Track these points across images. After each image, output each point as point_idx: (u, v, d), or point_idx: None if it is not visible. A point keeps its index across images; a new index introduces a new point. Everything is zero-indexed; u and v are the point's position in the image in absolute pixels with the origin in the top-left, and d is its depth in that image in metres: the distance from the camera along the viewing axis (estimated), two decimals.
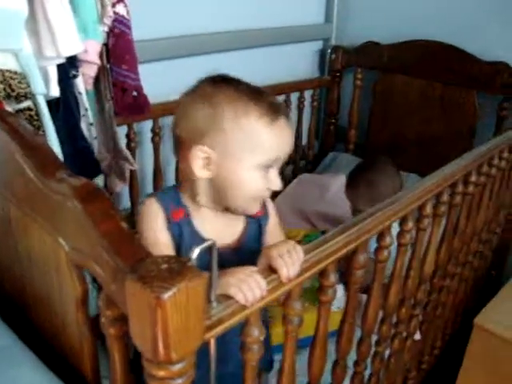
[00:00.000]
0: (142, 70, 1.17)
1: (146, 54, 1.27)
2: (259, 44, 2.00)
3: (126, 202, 1.70)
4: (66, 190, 0.64)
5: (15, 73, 0.88)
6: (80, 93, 1.05)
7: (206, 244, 0.58)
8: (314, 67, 2.28)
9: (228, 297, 0.66)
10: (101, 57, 1.06)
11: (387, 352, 1.23)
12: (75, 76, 1.02)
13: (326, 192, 2.07)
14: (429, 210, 1.09)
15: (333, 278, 0.84)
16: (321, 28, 2.22)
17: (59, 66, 0.95)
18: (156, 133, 1.60)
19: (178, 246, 0.87)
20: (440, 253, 1.30)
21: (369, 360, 1.14)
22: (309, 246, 0.78)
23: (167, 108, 1.43)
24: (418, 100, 2.00)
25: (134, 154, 1.55)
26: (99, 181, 1.14)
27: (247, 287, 0.65)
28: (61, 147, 0.97)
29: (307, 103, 2.16)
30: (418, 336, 1.41)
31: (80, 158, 1.03)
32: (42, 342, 0.87)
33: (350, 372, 1.10)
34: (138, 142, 1.59)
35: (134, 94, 1.09)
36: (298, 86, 2.09)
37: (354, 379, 1.13)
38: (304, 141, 2.28)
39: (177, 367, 0.57)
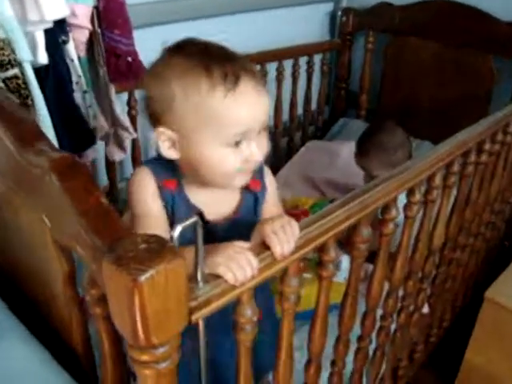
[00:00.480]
0: (138, 35, 1.11)
1: (140, 19, 1.22)
2: (266, 6, 1.92)
3: (128, 172, 1.67)
4: (43, 163, 0.60)
5: None
6: (72, 59, 1.00)
7: (188, 221, 0.54)
8: (324, 30, 2.20)
9: (217, 276, 0.62)
10: (92, 21, 1.00)
11: (393, 326, 1.20)
12: (65, 42, 0.97)
13: (336, 158, 2.01)
14: (438, 180, 1.04)
15: (333, 252, 0.80)
16: None
17: (47, 32, 0.90)
18: None
19: (172, 217, 0.83)
20: (450, 224, 1.25)
21: (373, 334, 1.11)
22: (307, 221, 0.74)
23: None
24: (431, 64, 1.91)
25: (135, 122, 1.51)
26: (91, 152, 1.10)
27: (237, 266, 0.61)
28: (52, 117, 0.93)
29: (317, 67, 2.08)
30: (426, 309, 1.38)
31: (72, 127, 0.98)
32: (36, 315, 0.86)
33: (353, 347, 1.07)
34: (140, 109, 1.54)
35: (128, 59, 1.03)
36: (307, 50, 2.02)
37: (357, 354, 1.10)
38: (313, 106, 2.21)
39: (160, 351, 0.54)
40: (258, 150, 0.77)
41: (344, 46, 2.13)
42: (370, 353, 1.14)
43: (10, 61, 0.84)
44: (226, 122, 0.73)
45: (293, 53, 1.95)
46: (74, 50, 1.01)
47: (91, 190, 0.57)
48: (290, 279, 0.74)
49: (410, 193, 0.98)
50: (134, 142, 1.52)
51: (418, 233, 1.11)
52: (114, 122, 1.18)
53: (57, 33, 0.93)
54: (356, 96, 2.18)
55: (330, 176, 1.96)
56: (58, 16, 0.88)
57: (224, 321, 0.70)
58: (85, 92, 1.05)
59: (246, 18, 1.87)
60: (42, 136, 0.65)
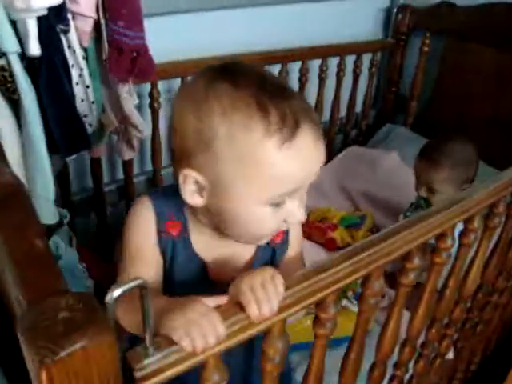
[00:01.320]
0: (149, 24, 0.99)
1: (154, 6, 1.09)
2: None
3: (147, 166, 1.59)
4: None
5: None
6: (74, 51, 0.90)
7: (131, 284, 0.44)
8: (377, 28, 2.01)
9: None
10: (98, 10, 0.90)
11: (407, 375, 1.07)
12: (65, 31, 0.87)
13: (376, 169, 1.86)
14: (477, 223, 0.89)
15: (333, 309, 0.67)
16: None
17: (41, 20, 0.81)
18: None
19: (170, 266, 0.71)
20: (488, 267, 1.09)
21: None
22: (300, 275, 0.62)
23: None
24: (492, 74, 1.71)
25: (157, 116, 1.42)
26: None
27: (197, 332, 0.50)
28: (46, 112, 0.85)
29: (365, 68, 1.92)
30: (450, 355, 1.24)
31: (66, 126, 0.89)
32: None
33: None
34: (163, 101, 1.44)
35: (134, 55, 0.93)
36: (355, 48, 1.85)
37: None
38: (358, 109, 2.05)
39: None
40: (300, 209, 0.64)
41: (397, 46, 1.95)
42: None
43: None
44: (277, 177, 0.59)
45: (339, 50, 1.80)
46: (77, 40, 0.91)
47: (26, 230, 0.47)
48: (275, 340, 0.62)
49: (441, 237, 0.84)
50: (154, 135, 1.43)
51: (447, 277, 0.97)
52: (123, 118, 1.09)
53: (53, 21, 0.83)
54: (405, 101, 2.01)
55: (367, 188, 1.81)
56: (47, 3, 0.77)
57: None
58: (87, 87, 0.96)
59: (285, 10, 1.72)
60: None
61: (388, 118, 2.10)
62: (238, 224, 0.64)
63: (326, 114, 1.94)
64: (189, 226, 0.70)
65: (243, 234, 0.66)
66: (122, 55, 0.91)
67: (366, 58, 1.91)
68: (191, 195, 0.64)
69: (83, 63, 0.93)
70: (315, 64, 1.77)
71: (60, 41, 0.87)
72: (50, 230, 0.97)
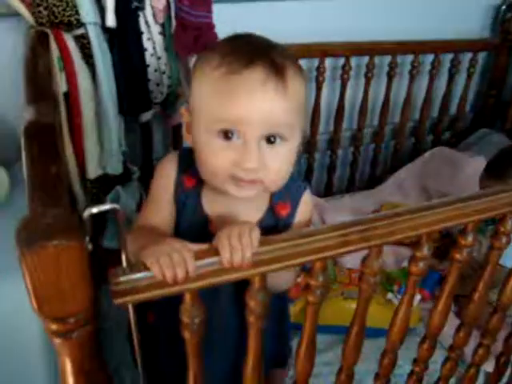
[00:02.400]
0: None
1: None
2: None
3: None
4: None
5: (60, 0, 0.89)
6: (149, 25, 1.03)
7: (106, 207, 0.53)
8: (483, 26, 1.90)
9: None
10: None
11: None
12: (139, 8, 0.99)
13: (459, 173, 1.79)
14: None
15: (321, 277, 0.71)
16: None
17: None
18: None
19: (179, 218, 0.79)
20: None
21: None
22: (285, 235, 0.67)
23: None
24: None
25: None
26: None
27: (168, 261, 0.57)
28: (118, 77, 0.98)
29: (463, 68, 1.84)
30: (489, 368, 1.19)
31: (131, 90, 1.02)
32: None
33: None
34: None
35: (197, 32, 1.02)
36: (453, 47, 1.78)
37: None
38: (453, 110, 1.98)
39: (65, 322, 0.54)
40: (253, 157, 0.66)
41: (503, 47, 1.84)
42: None
43: (76, 20, 0.90)
44: (217, 104, 0.65)
45: (434, 48, 1.74)
46: (152, 16, 1.03)
47: (46, 159, 0.59)
48: (255, 293, 0.67)
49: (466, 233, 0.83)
50: None
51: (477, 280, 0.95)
52: None
53: None
54: (506, 106, 1.89)
55: (446, 191, 1.75)
56: None
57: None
58: (159, 58, 1.07)
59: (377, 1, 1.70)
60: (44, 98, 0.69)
61: (486, 122, 1.99)
62: (200, 160, 0.70)
63: (416, 113, 1.90)
64: (203, 184, 0.77)
65: (204, 172, 0.71)
66: (185, 31, 1.01)
67: (466, 59, 1.84)
68: (185, 134, 0.73)
69: (158, 37, 1.06)
70: (408, 59, 1.75)
71: (136, 16, 1.00)
72: (117, 181, 1.12)
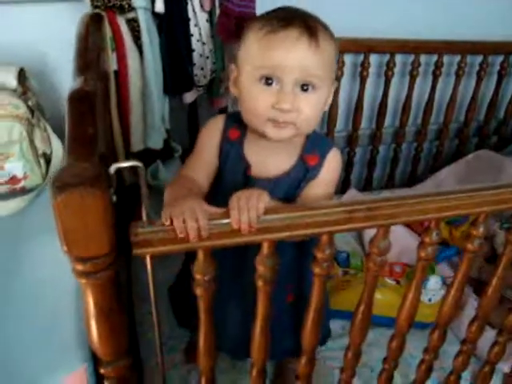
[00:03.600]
0: None
1: None
2: None
3: None
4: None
5: None
6: (195, 13, 1.10)
7: (128, 164, 0.60)
8: None
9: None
10: None
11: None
12: None
13: (499, 175, 1.77)
14: None
15: (327, 250, 0.76)
16: None
17: None
18: None
19: (223, 165, 0.90)
20: None
21: None
22: (295, 205, 0.73)
23: None
24: None
25: None
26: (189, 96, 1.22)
27: (180, 217, 0.64)
28: (163, 58, 1.07)
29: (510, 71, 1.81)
30: (506, 368, 1.19)
31: (175, 72, 1.10)
32: None
33: None
34: None
35: (239, 21, 1.08)
36: (503, 48, 1.75)
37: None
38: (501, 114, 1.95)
39: (89, 263, 0.61)
40: (288, 99, 0.77)
41: None
42: None
43: (127, 5, 0.99)
44: (260, 55, 0.78)
45: (481, 48, 1.73)
46: (199, 4, 1.11)
47: (84, 120, 0.67)
48: (264, 258, 0.73)
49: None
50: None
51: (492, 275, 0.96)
52: None
53: None
54: None
55: None
56: None
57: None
58: (204, 44, 1.15)
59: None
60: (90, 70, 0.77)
61: None
62: (244, 105, 0.82)
63: (462, 114, 1.89)
64: (245, 136, 0.89)
65: (247, 116, 0.83)
66: (227, 18, 1.08)
67: (497, 61, 1.80)
68: (231, 86, 0.85)
69: (204, 24, 1.13)
70: (455, 60, 1.74)
71: (184, 3, 1.08)
72: (159, 157, 1.21)
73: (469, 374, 1.22)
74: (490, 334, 1.12)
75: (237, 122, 0.88)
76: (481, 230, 0.85)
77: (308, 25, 0.78)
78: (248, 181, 0.87)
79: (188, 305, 0.79)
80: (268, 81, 0.78)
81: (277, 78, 0.78)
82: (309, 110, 0.80)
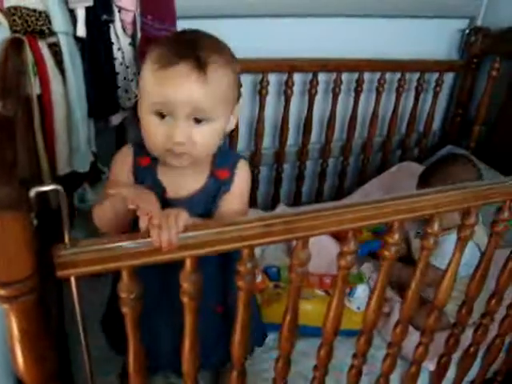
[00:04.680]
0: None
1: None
2: (383, 14, 1.82)
3: None
4: None
5: (33, 11, 0.99)
6: (118, 37, 1.13)
7: (49, 187, 0.61)
8: (450, 49, 2.01)
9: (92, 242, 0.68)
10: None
11: None
12: (109, 21, 1.09)
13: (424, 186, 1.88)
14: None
15: (249, 264, 0.79)
16: (466, 4, 1.91)
17: (89, 10, 1.05)
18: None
19: None
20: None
21: None
22: (210, 222, 0.76)
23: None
24: None
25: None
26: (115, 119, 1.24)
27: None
28: (87, 83, 1.08)
29: (430, 87, 1.94)
30: (431, 366, 1.26)
31: (100, 95, 1.12)
32: None
33: None
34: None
35: None
36: (419, 66, 1.88)
37: None
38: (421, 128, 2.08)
39: (8, 289, 0.61)
40: (181, 133, 0.81)
41: (468, 68, 1.94)
42: None
43: (47, 29, 1.00)
44: (152, 90, 0.82)
45: (402, 66, 1.85)
46: (121, 28, 1.13)
47: (4, 145, 0.67)
48: (188, 275, 0.75)
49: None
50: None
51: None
52: None
53: (99, 11, 1.06)
54: (470, 125, 1.99)
55: None
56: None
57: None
58: (127, 67, 1.17)
59: (359, 22, 1.80)
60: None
61: (452, 140, 2.09)
62: (144, 136, 0.86)
63: (384, 129, 1.99)
64: (156, 161, 0.92)
65: (148, 146, 0.87)
66: (147, 44, 1.11)
67: (433, 79, 1.94)
68: (139, 112, 0.87)
69: (127, 48, 1.16)
70: (375, 77, 1.84)
71: (106, 28, 1.10)
72: (85, 178, 1.21)
73: (397, 375, 1.27)
74: (415, 336, 1.19)
75: (143, 150, 0.91)
76: (396, 237, 0.89)
77: (199, 59, 0.81)
78: (166, 203, 0.88)
79: (120, 329, 0.79)
80: (162, 114, 0.82)
81: (169, 112, 0.81)
82: (203, 140, 0.84)
